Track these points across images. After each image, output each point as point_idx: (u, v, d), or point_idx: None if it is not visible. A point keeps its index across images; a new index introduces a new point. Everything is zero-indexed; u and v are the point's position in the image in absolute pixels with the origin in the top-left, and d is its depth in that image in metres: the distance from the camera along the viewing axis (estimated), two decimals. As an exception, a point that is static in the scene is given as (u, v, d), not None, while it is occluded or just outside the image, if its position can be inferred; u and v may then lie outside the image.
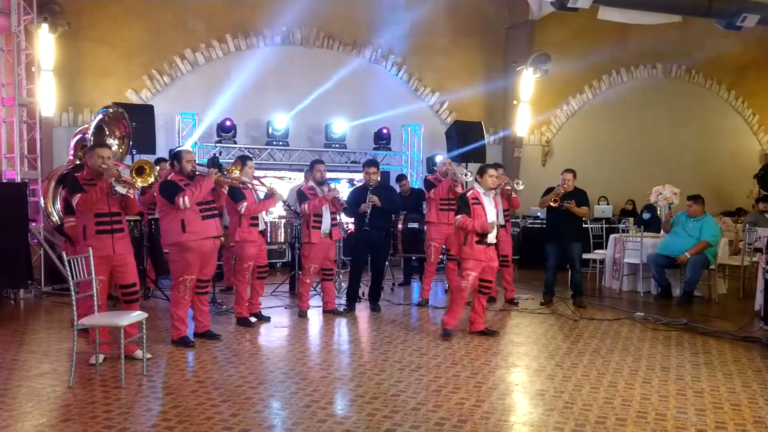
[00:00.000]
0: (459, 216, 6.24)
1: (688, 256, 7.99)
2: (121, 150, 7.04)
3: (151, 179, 5.42)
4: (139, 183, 5.37)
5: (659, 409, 4.31)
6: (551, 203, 7.80)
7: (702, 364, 5.40)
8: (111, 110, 7.07)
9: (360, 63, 11.91)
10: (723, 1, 10.96)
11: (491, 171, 6.34)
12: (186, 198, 5.58)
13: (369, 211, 7.14)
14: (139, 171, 5.37)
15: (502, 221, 7.97)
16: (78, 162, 6.80)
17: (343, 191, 10.24)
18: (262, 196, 6.83)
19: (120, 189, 5.15)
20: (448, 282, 8.14)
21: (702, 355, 5.69)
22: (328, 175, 10.50)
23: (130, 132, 7.13)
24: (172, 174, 5.84)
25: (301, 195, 7.11)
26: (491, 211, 6.24)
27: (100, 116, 6.92)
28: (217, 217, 5.99)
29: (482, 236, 6.11)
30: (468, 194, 6.28)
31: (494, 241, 6.24)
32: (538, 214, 11.30)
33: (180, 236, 5.66)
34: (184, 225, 5.65)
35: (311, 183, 7.19)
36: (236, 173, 6.17)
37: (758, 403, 4.45)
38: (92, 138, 6.68)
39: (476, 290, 6.33)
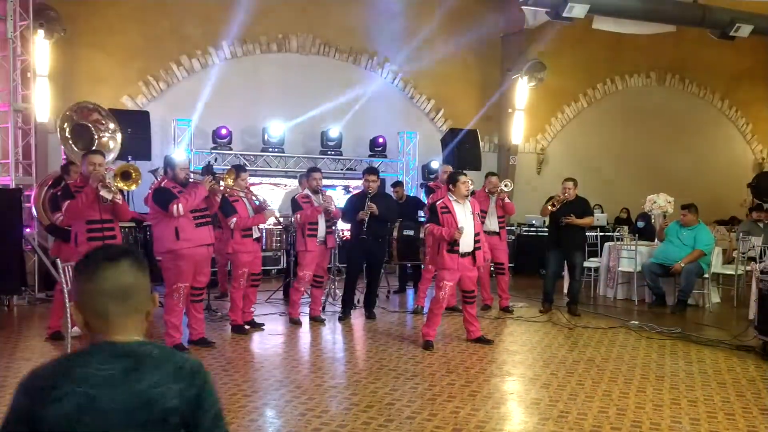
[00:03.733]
0: (428, 224, 6.34)
1: (683, 265, 8.01)
2: (110, 124, 7.00)
3: (133, 186, 5.35)
4: (124, 188, 5.31)
5: (654, 418, 4.32)
6: (550, 207, 7.80)
7: (696, 373, 5.42)
8: (72, 113, 7.06)
9: (356, 70, 11.94)
10: (717, 11, 11.05)
11: (463, 178, 6.23)
12: (180, 205, 5.57)
13: (366, 219, 7.12)
14: (125, 176, 5.29)
15: (496, 228, 7.99)
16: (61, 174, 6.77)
17: (339, 198, 10.28)
18: (257, 203, 6.84)
19: (105, 194, 5.08)
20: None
21: (696, 364, 5.71)
22: (325, 182, 10.58)
23: (97, 107, 7.11)
24: (165, 181, 5.82)
25: (294, 204, 7.10)
26: (463, 220, 6.13)
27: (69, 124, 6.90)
28: (211, 225, 5.99)
29: (453, 245, 6.07)
30: (437, 203, 6.29)
31: (468, 250, 6.14)
32: (533, 221, 11.32)
33: (174, 244, 5.64)
34: (178, 232, 5.64)
35: (306, 191, 7.17)
36: (230, 181, 6.16)
37: (752, 413, 4.46)
38: (75, 139, 6.65)
39: (462, 301, 6.42)
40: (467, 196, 6.26)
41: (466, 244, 6.10)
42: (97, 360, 1.47)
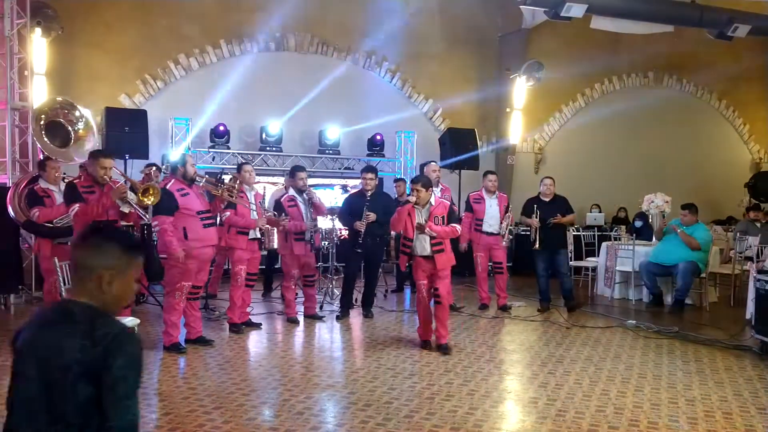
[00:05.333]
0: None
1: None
2: (75, 112, 6.93)
3: (152, 200, 5.43)
4: (145, 201, 5.41)
5: (651, 417, 4.33)
6: (536, 224, 7.80)
7: (693, 372, 5.43)
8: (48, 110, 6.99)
9: (354, 69, 11.93)
10: (714, 12, 11.08)
11: (411, 186, 6.04)
12: (167, 225, 5.62)
13: (363, 229, 7.06)
14: (145, 191, 5.47)
15: (496, 229, 8.00)
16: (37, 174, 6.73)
17: (336, 198, 10.29)
18: (264, 206, 6.94)
19: (124, 209, 5.30)
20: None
21: (693, 363, 5.71)
22: (322, 181, 10.61)
23: (67, 102, 7.04)
24: (173, 181, 5.80)
25: (278, 207, 7.08)
26: (419, 219, 5.95)
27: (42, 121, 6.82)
28: (215, 226, 6.02)
29: (406, 246, 5.98)
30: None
31: (424, 253, 5.91)
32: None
33: (182, 243, 5.67)
34: (187, 232, 5.68)
35: (292, 192, 7.16)
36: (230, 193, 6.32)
37: (750, 412, 4.47)
38: (51, 136, 6.60)
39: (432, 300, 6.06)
40: (412, 201, 5.91)
41: (421, 247, 5.95)
42: (46, 310, 1.95)
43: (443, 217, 5.97)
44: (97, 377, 1.76)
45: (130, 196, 5.30)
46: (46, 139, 6.95)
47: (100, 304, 1.88)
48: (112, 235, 1.99)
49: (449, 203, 6.30)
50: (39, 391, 1.80)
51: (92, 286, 1.88)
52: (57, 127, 6.90)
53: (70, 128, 6.88)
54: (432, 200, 6.04)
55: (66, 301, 1.92)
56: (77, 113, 7.20)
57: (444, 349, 5.90)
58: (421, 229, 5.88)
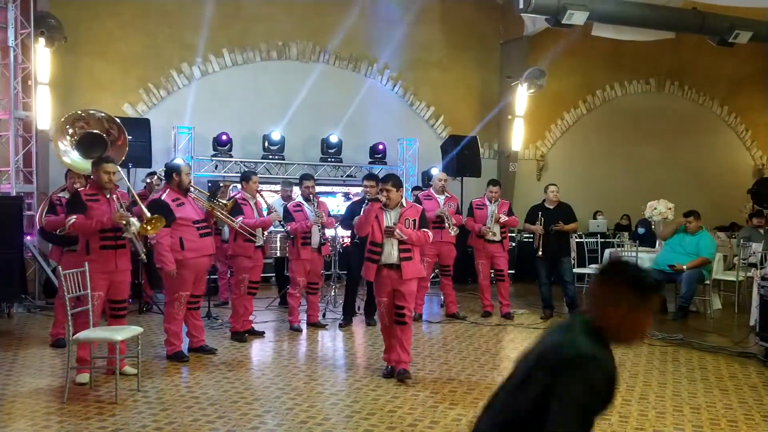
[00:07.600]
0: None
1: (684, 268, 8.00)
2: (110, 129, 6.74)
3: (152, 233, 5.37)
4: (148, 233, 5.36)
5: (657, 425, 4.31)
6: (540, 232, 7.83)
7: (698, 379, 5.41)
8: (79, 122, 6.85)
9: (356, 77, 11.95)
10: (716, 18, 11.08)
11: (383, 185, 5.48)
12: (164, 241, 5.60)
13: None
14: (149, 221, 5.37)
15: (498, 237, 8.00)
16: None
17: (339, 205, 10.30)
18: (264, 210, 6.94)
19: (126, 234, 5.20)
20: (444, 297, 8.14)
21: (698, 370, 5.70)
22: (325, 189, 10.61)
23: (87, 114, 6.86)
24: (168, 191, 5.81)
25: (286, 213, 7.11)
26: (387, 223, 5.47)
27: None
28: (212, 235, 6.03)
29: (374, 252, 5.37)
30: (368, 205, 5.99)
31: (391, 261, 5.30)
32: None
33: (178, 254, 5.67)
34: (183, 242, 5.68)
35: (298, 199, 7.21)
36: (223, 213, 6.27)
37: (755, 419, 4.46)
38: (87, 150, 6.47)
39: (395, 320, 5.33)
40: (382, 201, 5.41)
41: (388, 253, 5.34)
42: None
43: (415, 221, 5.40)
44: (547, 384, 1.91)
45: (133, 227, 5.16)
46: (67, 155, 6.72)
47: (605, 328, 1.97)
48: (626, 272, 2.00)
49: (422, 207, 5.68)
50: (517, 373, 2.04)
51: (599, 313, 1.98)
52: (95, 139, 6.69)
53: (108, 140, 6.74)
54: (403, 202, 5.49)
55: (580, 313, 2.07)
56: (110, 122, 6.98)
57: (402, 375, 5.22)
58: (390, 232, 5.30)
